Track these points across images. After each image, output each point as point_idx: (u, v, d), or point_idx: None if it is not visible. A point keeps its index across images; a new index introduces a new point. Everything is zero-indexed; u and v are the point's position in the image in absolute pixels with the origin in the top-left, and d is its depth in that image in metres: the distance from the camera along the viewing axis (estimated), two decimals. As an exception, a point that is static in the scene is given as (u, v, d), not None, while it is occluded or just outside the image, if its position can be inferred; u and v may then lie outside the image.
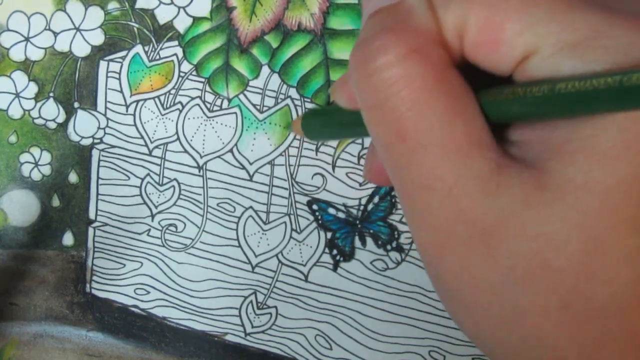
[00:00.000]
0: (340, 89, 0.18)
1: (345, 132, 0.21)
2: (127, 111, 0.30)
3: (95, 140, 0.31)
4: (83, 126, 0.31)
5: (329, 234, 0.29)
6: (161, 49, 0.29)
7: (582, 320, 0.13)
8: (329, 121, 0.20)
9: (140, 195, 0.31)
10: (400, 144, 0.14)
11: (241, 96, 0.29)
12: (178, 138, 0.30)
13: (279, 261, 0.30)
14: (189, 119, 0.29)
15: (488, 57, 0.14)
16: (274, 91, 0.28)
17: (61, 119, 0.31)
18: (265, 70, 0.28)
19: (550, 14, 0.13)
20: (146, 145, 0.30)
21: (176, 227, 0.31)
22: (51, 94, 0.30)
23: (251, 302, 0.30)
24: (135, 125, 0.30)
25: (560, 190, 0.13)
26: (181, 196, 0.30)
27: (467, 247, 0.14)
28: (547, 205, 0.13)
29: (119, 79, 0.30)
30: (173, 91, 0.29)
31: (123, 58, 0.30)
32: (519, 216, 0.13)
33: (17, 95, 0.31)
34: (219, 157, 0.29)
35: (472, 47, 0.14)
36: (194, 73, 0.29)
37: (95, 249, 0.32)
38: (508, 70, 0.14)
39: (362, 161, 0.28)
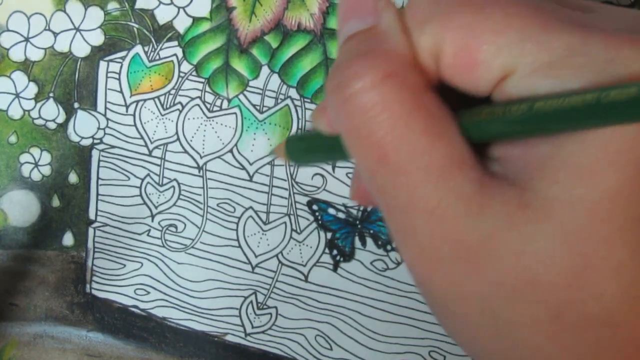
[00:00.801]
0: (320, 114, 0.18)
1: (329, 156, 0.21)
2: (127, 111, 0.30)
3: (95, 141, 0.31)
4: (83, 126, 0.31)
5: (329, 234, 0.29)
6: (161, 49, 0.29)
7: (575, 330, 0.13)
8: (312, 146, 0.20)
9: (140, 195, 0.31)
10: (382, 168, 0.14)
11: (241, 96, 0.29)
12: (178, 138, 0.30)
13: (279, 261, 0.30)
14: (188, 119, 0.29)
15: (465, 79, 0.14)
16: (273, 91, 0.28)
17: (61, 119, 0.31)
18: (265, 70, 0.28)
19: (525, 35, 0.13)
20: (146, 145, 0.30)
21: (176, 227, 0.31)
22: (51, 94, 0.30)
23: (251, 302, 0.30)
24: (135, 125, 0.30)
25: (543, 209, 0.13)
26: (181, 196, 0.30)
27: (454, 265, 0.14)
28: (531, 224, 0.13)
29: (119, 79, 0.30)
30: (173, 91, 0.29)
31: (123, 58, 0.30)
32: (503, 235, 0.13)
33: (17, 95, 0.31)
34: (219, 157, 0.29)
35: (449, 69, 0.14)
36: (194, 73, 0.29)
37: (95, 249, 0.32)
38: (486, 91, 0.14)
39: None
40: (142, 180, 0.31)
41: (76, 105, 0.30)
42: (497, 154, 0.15)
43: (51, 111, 0.31)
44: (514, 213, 0.13)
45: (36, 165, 0.31)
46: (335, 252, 0.29)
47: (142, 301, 0.32)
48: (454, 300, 0.15)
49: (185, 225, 0.30)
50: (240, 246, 0.30)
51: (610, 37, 0.13)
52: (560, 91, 0.13)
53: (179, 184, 0.30)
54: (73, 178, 0.31)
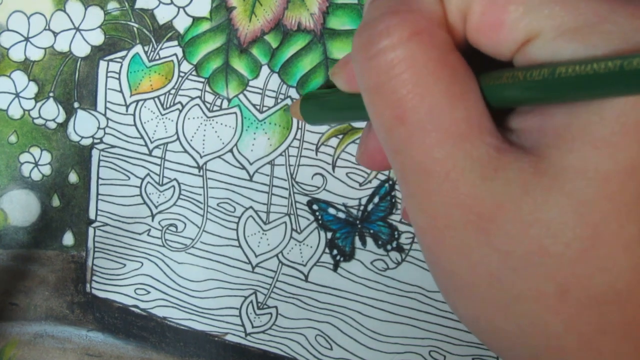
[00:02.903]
0: (340, 70, 0.18)
1: (344, 115, 0.21)
2: (127, 111, 0.30)
3: (95, 140, 0.31)
4: (83, 126, 0.31)
5: (329, 234, 0.29)
6: (161, 49, 0.29)
7: (581, 306, 0.13)
8: (328, 104, 0.20)
9: (140, 195, 0.31)
10: (399, 127, 0.14)
11: (241, 96, 0.29)
12: (178, 138, 0.30)
13: (279, 261, 0.30)
14: (188, 119, 0.29)
15: (490, 40, 0.14)
16: (273, 91, 0.28)
17: (61, 119, 0.31)
18: (265, 70, 0.28)
19: None
20: (146, 145, 0.30)
21: (176, 227, 0.31)
22: (51, 94, 0.30)
23: (251, 302, 0.30)
24: (135, 125, 0.30)
25: (558, 177, 0.13)
26: (181, 196, 0.30)
27: (464, 232, 0.14)
28: (545, 192, 0.13)
29: (119, 79, 0.30)
30: (173, 91, 0.29)
31: (123, 58, 0.30)
32: (516, 202, 0.13)
33: (17, 95, 0.31)
34: (219, 157, 0.29)
35: (475, 30, 0.14)
36: (194, 73, 0.29)
37: (96, 249, 0.32)
38: (509, 54, 0.14)
39: (362, 161, 0.28)
40: (142, 180, 0.31)
41: (76, 104, 0.30)
42: (515, 125, 0.15)
43: (51, 111, 0.31)
44: (528, 180, 0.13)
45: (36, 165, 0.31)
46: (335, 252, 0.29)
47: (142, 301, 0.32)
48: (462, 271, 0.15)
49: (185, 225, 0.30)
50: (240, 246, 0.30)
51: (637, 7, 0.12)
52: (584, 57, 0.12)
53: (179, 183, 0.30)
54: (73, 178, 0.31)
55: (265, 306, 0.30)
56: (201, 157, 0.30)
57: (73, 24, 0.30)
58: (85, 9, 0.30)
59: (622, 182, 0.12)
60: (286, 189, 0.29)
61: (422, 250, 0.16)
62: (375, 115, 0.15)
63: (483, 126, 0.14)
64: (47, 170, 0.31)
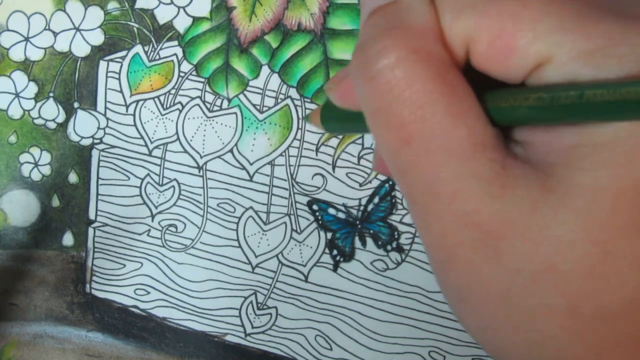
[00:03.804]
0: (335, 86, 0.18)
1: (365, 127, 0.21)
2: (127, 111, 0.30)
3: (95, 141, 0.31)
4: (83, 126, 0.31)
5: (329, 234, 0.29)
6: (161, 49, 0.29)
7: (591, 322, 0.13)
8: (349, 115, 0.20)
9: (140, 195, 0.31)
10: (404, 148, 0.14)
11: (241, 96, 0.29)
12: (178, 138, 0.30)
13: (279, 261, 0.30)
14: (189, 119, 0.29)
15: (499, 67, 0.14)
16: (274, 91, 0.28)
17: (61, 119, 0.31)
18: (265, 70, 0.28)
19: (563, 23, 0.13)
20: (146, 145, 0.30)
21: (176, 227, 0.31)
22: (51, 94, 0.30)
23: (251, 302, 0.30)
24: (135, 125, 0.30)
25: (567, 195, 0.13)
26: (181, 196, 0.30)
27: (474, 251, 0.14)
28: (554, 209, 0.13)
29: (119, 79, 0.30)
30: (173, 91, 0.29)
31: (123, 58, 0.30)
32: (525, 219, 0.13)
33: (17, 95, 0.31)
34: (219, 157, 0.29)
35: (482, 57, 0.14)
36: (194, 73, 0.29)
37: (95, 249, 0.32)
38: (520, 79, 0.14)
39: (362, 161, 0.28)
40: (142, 180, 0.31)
41: (76, 105, 0.30)
42: (521, 137, 0.15)
43: (51, 111, 0.31)
44: (536, 198, 0.13)
45: (36, 165, 0.31)
46: (335, 252, 0.29)
47: (142, 301, 0.31)
48: (472, 287, 0.15)
49: (185, 225, 0.30)
50: (240, 246, 0.30)
51: None
52: (606, 80, 0.12)
53: (179, 183, 0.30)
54: (73, 178, 0.31)
55: (265, 306, 0.30)
56: (201, 157, 0.30)
57: (73, 24, 0.30)
58: (85, 9, 0.30)
59: (631, 201, 0.12)
60: (286, 189, 0.29)
61: (430, 264, 0.16)
62: (379, 138, 0.15)
63: (487, 142, 0.14)
64: (47, 170, 0.31)
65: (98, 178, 0.31)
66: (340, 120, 0.20)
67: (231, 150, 0.29)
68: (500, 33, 0.14)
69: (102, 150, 0.31)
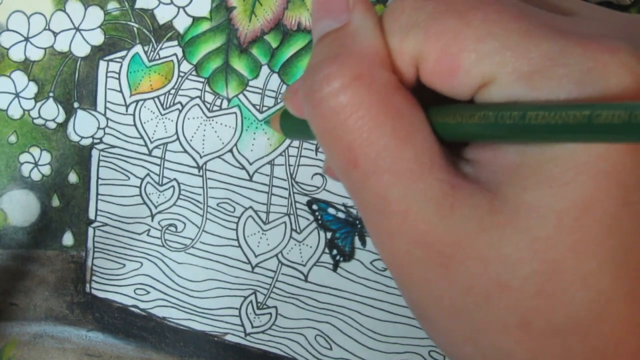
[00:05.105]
0: (291, 97, 0.18)
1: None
2: (126, 111, 0.30)
3: (95, 140, 0.31)
4: (83, 126, 0.31)
5: (329, 234, 0.29)
6: (161, 48, 0.29)
7: (544, 337, 0.13)
8: (305, 123, 0.20)
9: (140, 195, 0.31)
10: (353, 171, 0.14)
11: (241, 96, 0.29)
12: (178, 138, 0.30)
13: (279, 261, 0.30)
14: (188, 119, 0.29)
15: (446, 85, 0.14)
16: (273, 91, 0.28)
17: (61, 119, 0.31)
18: (265, 70, 0.28)
19: (505, 43, 0.13)
20: (146, 145, 0.30)
21: (176, 227, 0.31)
22: (51, 94, 0.30)
23: (251, 302, 0.30)
24: (135, 125, 0.30)
25: (513, 215, 0.13)
26: (181, 196, 0.30)
27: (426, 269, 0.14)
28: (500, 229, 0.13)
29: (119, 79, 0.30)
30: (173, 91, 0.29)
31: (123, 58, 0.30)
32: (473, 239, 0.13)
33: (17, 95, 0.31)
34: (218, 157, 0.29)
35: (430, 74, 0.14)
36: (194, 73, 0.29)
37: (95, 249, 0.32)
38: (467, 96, 0.14)
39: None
40: (142, 180, 0.31)
41: (76, 104, 0.30)
42: (471, 156, 0.15)
43: (51, 111, 0.31)
44: (484, 218, 0.13)
45: (36, 165, 0.31)
46: (335, 251, 0.29)
47: (142, 301, 0.32)
48: (428, 304, 0.15)
49: (185, 225, 0.30)
50: (240, 246, 0.30)
51: (588, 45, 0.13)
52: (547, 102, 0.13)
53: (178, 183, 0.30)
54: (73, 178, 0.31)
55: (264, 306, 0.30)
56: (201, 157, 0.30)
57: (73, 24, 0.30)
58: (85, 9, 0.30)
59: (576, 219, 0.13)
60: (286, 189, 0.29)
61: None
62: (329, 157, 0.15)
63: (434, 162, 0.14)
64: (46, 170, 0.31)
65: (98, 178, 0.31)
66: (298, 127, 0.20)
67: (231, 150, 0.29)
68: (444, 54, 0.14)
69: (102, 150, 0.31)
